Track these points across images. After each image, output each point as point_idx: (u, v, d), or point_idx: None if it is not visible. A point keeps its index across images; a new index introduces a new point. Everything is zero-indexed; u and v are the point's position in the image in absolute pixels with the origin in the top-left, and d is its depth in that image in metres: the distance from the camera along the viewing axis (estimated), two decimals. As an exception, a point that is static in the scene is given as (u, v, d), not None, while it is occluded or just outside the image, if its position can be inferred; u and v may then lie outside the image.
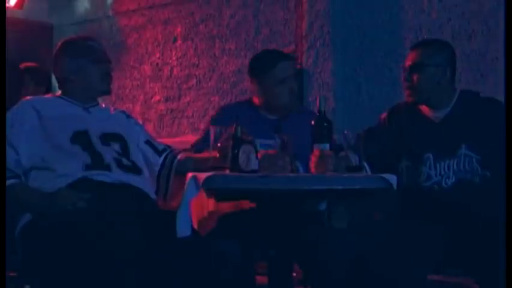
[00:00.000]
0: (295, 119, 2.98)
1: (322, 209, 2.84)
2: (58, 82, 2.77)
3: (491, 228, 2.48)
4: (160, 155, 2.78)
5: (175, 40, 5.25)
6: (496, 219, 2.45)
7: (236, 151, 2.40)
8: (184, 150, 2.88)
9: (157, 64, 5.33)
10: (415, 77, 2.75)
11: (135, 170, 2.61)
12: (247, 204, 2.64)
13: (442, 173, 2.70)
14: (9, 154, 2.48)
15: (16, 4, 5.52)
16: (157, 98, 5.32)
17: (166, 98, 5.26)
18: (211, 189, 2.37)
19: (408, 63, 2.78)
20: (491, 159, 2.67)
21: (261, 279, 2.94)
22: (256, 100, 3.01)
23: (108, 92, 2.79)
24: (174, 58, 5.24)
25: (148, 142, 2.80)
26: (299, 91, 4.48)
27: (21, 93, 4.33)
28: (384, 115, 2.91)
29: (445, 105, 2.79)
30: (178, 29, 5.23)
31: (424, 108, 2.82)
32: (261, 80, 2.95)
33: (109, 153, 2.58)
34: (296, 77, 3.00)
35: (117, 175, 2.53)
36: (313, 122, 2.55)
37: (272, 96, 2.94)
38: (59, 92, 2.78)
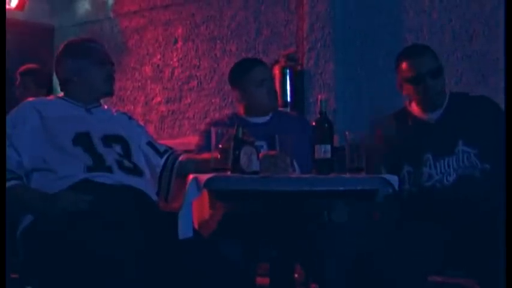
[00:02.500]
0: (279, 121, 3.11)
1: (322, 205, 2.85)
2: (60, 83, 2.77)
3: (493, 228, 2.48)
4: (161, 157, 2.78)
5: (176, 41, 5.25)
6: (497, 218, 2.45)
7: (237, 152, 2.41)
8: (186, 151, 2.88)
9: (158, 65, 5.33)
10: (435, 83, 2.75)
11: (137, 171, 2.61)
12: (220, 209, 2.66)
13: (443, 171, 2.72)
14: (11, 155, 2.48)
15: (17, 6, 5.53)
16: (158, 99, 5.32)
17: (167, 100, 5.26)
18: (213, 190, 2.37)
19: (417, 71, 2.76)
20: (489, 152, 2.69)
21: (263, 281, 2.93)
22: (240, 109, 3.16)
23: (110, 94, 2.79)
24: (175, 59, 5.24)
25: (149, 143, 2.80)
26: (299, 92, 4.53)
27: (16, 94, 4.33)
28: (379, 130, 2.91)
29: (439, 106, 2.81)
30: (179, 31, 5.23)
31: (417, 112, 2.84)
32: (241, 85, 3.11)
33: (110, 155, 2.57)
34: (272, 81, 3.24)
35: (118, 177, 2.53)
36: (314, 123, 2.56)
37: (253, 98, 3.09)
38: (61, 94, 2.78)
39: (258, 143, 2.63)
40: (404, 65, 2.82)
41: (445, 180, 2.72)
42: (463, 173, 2.71)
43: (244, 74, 3.11)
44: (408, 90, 2.83)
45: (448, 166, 2.72)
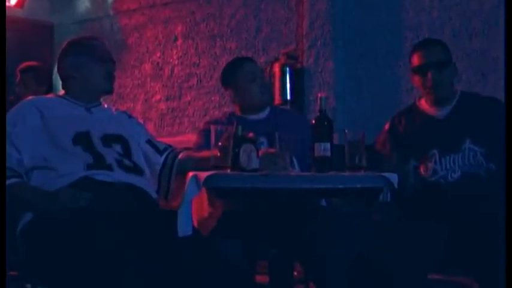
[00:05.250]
0: (277, 117, 3.12)
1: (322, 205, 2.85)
2: (61, 81, 2.77)
3: (493, 228, 2.48)
4: (161, 154, 2.78)
5: (176, 39, 5.25)
6: (499, 218, 2.45)
7: (237, 150, 2.41)
8: (186, 149, 2.88)
9: (158, 63, 5.34)
10: (439, 74, 2.77)
11: (137, 170, 2.61)
12: (219, 207, 2.67)
13: (448, 167, 2.73)
14: (12, 153, 2.47)
15: (17, 3, 5.53)
16: (158, 97, 5.32)
17: (167, 97, 5.27)
18: (212, 188, 2.37)
19: (422, 62, 2.80)
20: (495, 152, 2.69)
21: (262, 279, 2.94)
22: (236, 108, 3.18)
23: (110, 92, 2.79)
24: (174, 57, 5.24)
25: (149, 142, 2.80)
26: (299, 90, 4.53)
27: (16, 92, 4.33)
28: (387, 125, 2.93)
29: (448, 103, 2.83)
30: (179, 28, 5.23)
31: (426, 107, 2.85)
32: (233, 83, 3.13)
33: (110, 155, 2.57)
34: (263, 75, 3.27)
35: (118, 175, 2.52)
36: (313, 121, 2.56)
37: (246, 95, 3.10)
38: (62, 92, 2.78)
39: (258, 140, 2.64)
40: (413, 56, 2.86)
41: (449, 177, 2.73)
42: (468, 170, 2.72)
43: (235, 72, 3.12)
44: (416, 82, 2.85)
45: (454, 163, 2.73)
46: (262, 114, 3.12)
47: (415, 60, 2.84)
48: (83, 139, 2.57)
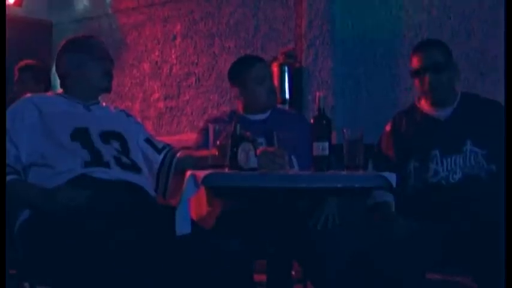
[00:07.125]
0: (277, 118, 3.10)
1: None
2: (60, 79, 2.77)
3: (493, 229, 2.48)
4: (159, 153, 2.78)
5: (174, 38, 5.25)
6: (499, 219, 2.45)
7: (235, 149, 2.40)
8: (184, 148, 2.88)
9: (156, 62, 5.33)
10: (436, 77, 2.77)
11: (135, 168, 2.61)
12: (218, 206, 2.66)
13: (449, 168, 2.73)
14: (10, 150, 2.48)
15: (15, 2, 5.53)
16: (157, 96, 5.32)
17: (166, 96, 5.26)
18: (211, 187, 2.36)
19: (420, 65, 2.80)
20: (496, 154, 2.69)
21: (260, 277, 2.93)
22: (239, 106, 3.14)
23: (108, 90, 2.79)
24: (173, 56, 5.24)
25: (148, 140, 2.80)
26: (298, 89, 4.53)
27: (14, 90, 4.33)
28: (388, 126, 2.92)
29: (449, 104, 2.83)
30: (178, 27, 5.23)
31: (427, 109, 2.85)
32: (241, 82, 3.08)
33: (108, 151, 2.57)
34: (272, 78, 3.23)
35: (116, 172, 2.52)
36: (312, 120, 2.55)
37: (253, 96, 3.07)
38: (60, 90, 2.78)
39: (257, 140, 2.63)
40: (412, 58, 2.85)
41: (450, 178, 2.73)
42: (469, 172, 2.72)
43: (245, 71, 3.07)
44: (415, 84, 2.85)
45: (455, 164, 2.73)
46: (264, 115, 3.10)
47: (414, 62, 2.83)
48: (81, 135, 2.57)
